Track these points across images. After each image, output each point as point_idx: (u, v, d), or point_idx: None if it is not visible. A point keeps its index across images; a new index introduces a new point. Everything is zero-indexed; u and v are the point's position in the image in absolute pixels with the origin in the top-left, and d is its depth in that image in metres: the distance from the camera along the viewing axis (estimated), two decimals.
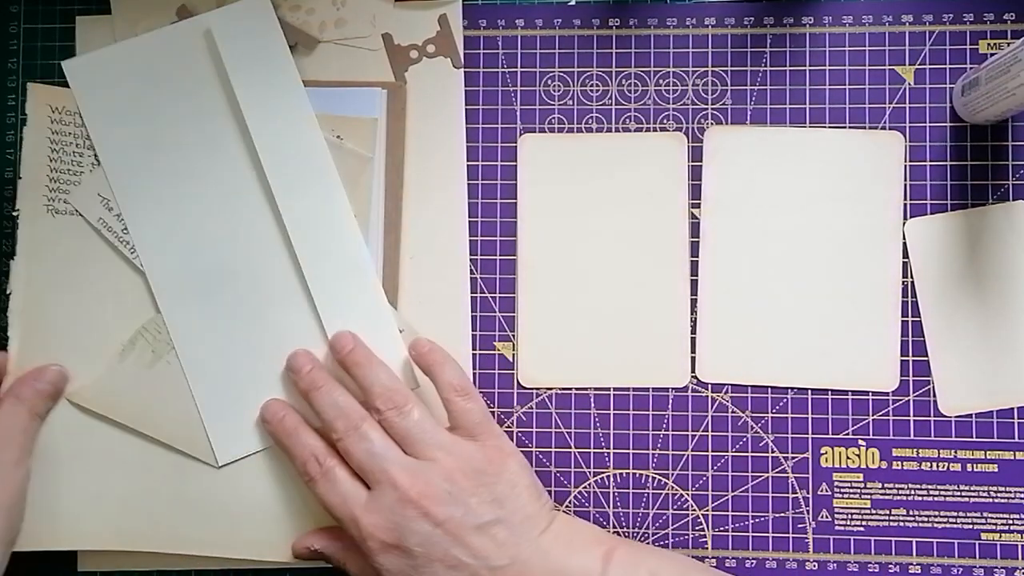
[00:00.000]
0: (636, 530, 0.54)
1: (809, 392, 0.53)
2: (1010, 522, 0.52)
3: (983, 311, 0.53)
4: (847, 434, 0.53)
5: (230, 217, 0.54)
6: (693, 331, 0.54)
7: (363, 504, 0.48)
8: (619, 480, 0.54)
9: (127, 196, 0.53)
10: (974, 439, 0.53)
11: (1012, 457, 0.52)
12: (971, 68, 0.53)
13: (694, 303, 0.54)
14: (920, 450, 0.53)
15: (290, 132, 0.53)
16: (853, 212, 0.53)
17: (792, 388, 0.53)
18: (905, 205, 0.53)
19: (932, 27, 0.54)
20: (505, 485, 0.48)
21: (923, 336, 0.53)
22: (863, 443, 0.53)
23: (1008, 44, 0.53)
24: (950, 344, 0.53)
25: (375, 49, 0.55)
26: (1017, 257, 0.53)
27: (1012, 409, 0.53)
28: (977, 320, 0.53)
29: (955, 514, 0.53)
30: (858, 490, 0.53)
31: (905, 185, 0.53)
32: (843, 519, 0.53)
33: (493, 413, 0.54)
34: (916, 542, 0.53)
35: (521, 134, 0.55)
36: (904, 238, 0.53)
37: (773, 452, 0.53)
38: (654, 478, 0.54)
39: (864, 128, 0.54)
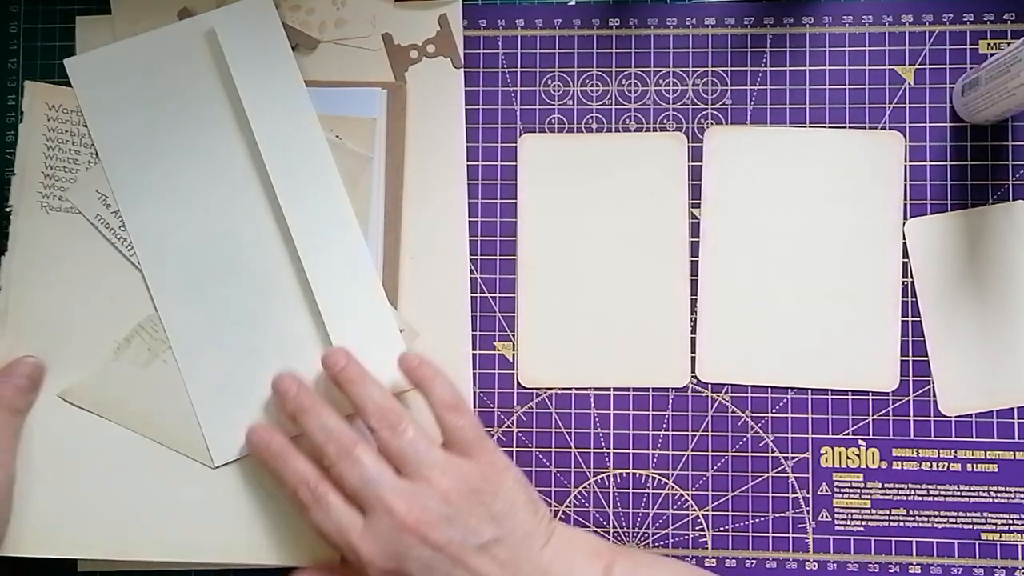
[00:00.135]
0: (636, 530, 0.54)
1: (809, 392, 0.53)
2: (1010, 522, 0.52)
3: (983, 311, 0.53)
4: (847, 434, 0.53)
5: (229, 215, 0.54)
6: (693, 331, 0.54)
7: (359, 531, 0.47)
8: (619, 480, 0.54)
9: (127, 193, 0.53)
10: (974, 439, 0.53)
11: (1012, 457, 0.52)
12: (971, 68, 0.53)
13: (694, 303, 0.54)
14: (920, 450, 0.53)
15: (292, 131, 0.53)
16: (853, 212, 0.53)
17: (792, 388, 0.53)
18: (905, 205, 0.53)
19: (932, 27, 0.54)
20: (502, 502, 0.48)
21: (923, 336, 0.53)
22: (863, 443, 0.53)
23: (1008, 44, 0.53)
24: (950, 344, 0.53)
25: (375, 49, 0.55)
26: (1017, 257, 0.53)
27: (1012, 409, 0.53)
28: (977, 320, 0.53)
29: (955, 514, 0.53)
30: (858, 490, 0.53)
31: (905, 185, 0.53)
32: (843, 519, 0.53)
33: (493, 413, 0.54)
34: (916, 542, 0.53)
35: (521, 134, 0.55)
36: (904, 238, 0.53)
37: (773, 452, 0.53)
38: (654, 478, 0.54)
39: (864, 128, 0.54)
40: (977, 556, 0.52)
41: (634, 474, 0.54)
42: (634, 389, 0.54)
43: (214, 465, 0.52)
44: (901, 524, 0.53)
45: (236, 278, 0.53)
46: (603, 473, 0.54)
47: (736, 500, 0.53)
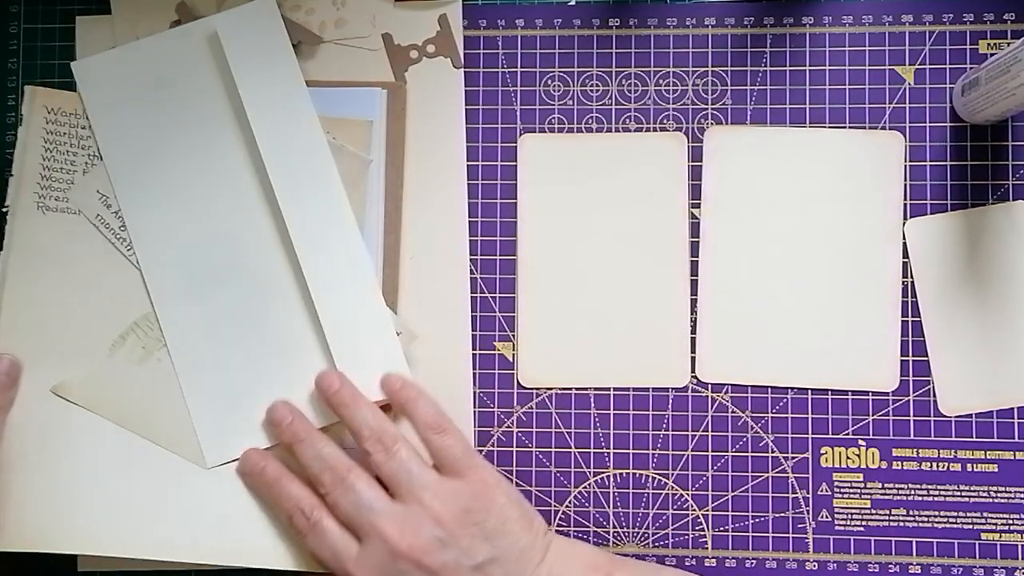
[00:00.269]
0: (636, 530, 0.54)
1: (809, 392, 0.53)
2: (1010, 522, 0.52)
3: (983, 311, 0.53)
4: (847, 434, 0.53)
5: (230, 217, 0.54)
6: (693, 331, 0.54)
7: (354, 559, 0.47)
8: (619, 480, 0.54)
9: (128, 194, 0.54)
10: (974, 439, 0.53)
11: (1012, 457, 0.52)
12: (971, 68, 0.53)
13: (694, 303, 0.54)
14: (920, 450, 0.53)
15: (294, 134, 0.53)
16: (853, 212, 0.53)
17: (792, 388, 0.53)
18: (905, 205, 0.53)
19: (932, 27, 0.54)
20: (495, 520, 0.48)
21: (923, 336, 0.53)
22: (863, 443, 0.53)
23: (1008, 44, 0.53)
24: (950, 344, 0.53)
25: (375, 49, 0.55)
26: (1017, 257, 0.53)
27: (1012, 409, 0.53)
28: (977, 320, 0.53)
29: (955, 514, 0.53)
30: (858, 490, 0.53)
31: (905, 185, 0.53)
32: (843, 519, 0.53)
33: (493, 413, 0.54)
34: (916, 542, 0.53)
35: (521, 134, 0.55)
36: (904, 238, 0.53)
37: (773, 452, 0.53)
38: (654, 478, 0.54)
39: (864, 128, 0.54)
40: (977, 556, 0.52)
41: (634, 474, 0.54)
42: (634, 389, 0.54)
43: (208, 466, 0.52)
44: (901, 524, 0.53)
45: (235, 279, 0.53)
46: (603, 473, 0.54)
47: (736, 500, 0.53)
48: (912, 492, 0.53)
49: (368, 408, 0.50)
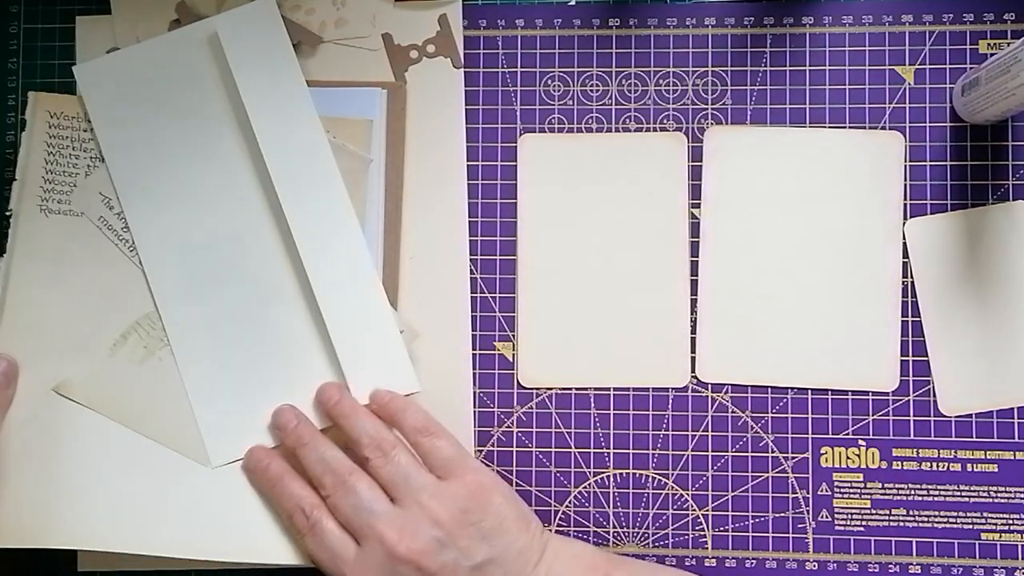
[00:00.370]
0: (636, 530, 0.54)
1: (809, 392, 0.53)
2: (1010, 522, 0.52)
3: (983, 311, 0.53)
4: (847, 434, 0.53)
5: (232, 217, 0.54)
6: (693, 331, 0.54)
7: (352, 561, 0.47)
8: (619, 480, 0.54)
9: (131, 196, 0.54)
10: (974, 439, 0.53)
11: (1012, 457, 0.52)
12: (971, 68, 0.53)
13: (694, 303, 0.54)
14: (920, 450, 0.53)
15: (295, 134, 0.53)
16: (853, 212, 0.53)
17: (792, 388, 0.53)
18: (905, 205, 0.53)
19: (932, 27, 0.54)
20: (492, 519, 0.48)
21: (923, 336, 0.53)
22: (863, 443, 0.53)
23: (1008, 44, 0.53)
24: (950, 344, 0.53)
25: (375, 49, 0.55)
26: (1017, 257, 0.53)
27: (1012, 409, 0.53)
28: (977, 320, 0.53)
29: (955, 514, 0.53)
30: (858, 490, 0.53)
31: (905, 185, 0.53)
32: (843, 519, 0.53)
33: (493, 413, 0.54)
34: (916, 542, 0.53)
35: (521, 134, 0.55)
36: (904, 238, 0.53)
37: (773, 452, 0.53)
38: (654, 478, 0.54)
39: (864, 128, 0.54)
40: (977, 556, 0.52)
41: (634, 474, 0.54)
42: (634, 389, 0.54)
43: (212, 466, 0.52)
44: (901, 524, 0.53)
45: (238, 279, 0.53)
46: (603, 473, 0.54)
47: (736, 500, 0.53)
48: (912, 492, 0.53)
49: (367, 417, 0.50)
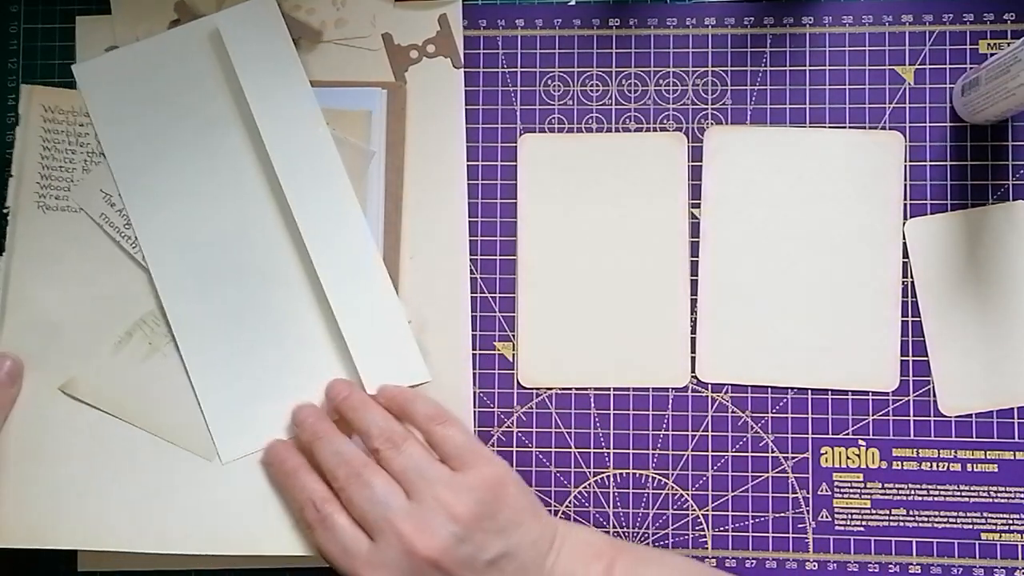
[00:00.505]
0: (636, 530, 0.54)
1: (809, 392, 0.53)
2: (1010, 522, 0.52)
3: (983, 311, 0.53)
4: (847, 434, 0.53)
5: (236, 212, 0.54)
6: (693, 331, 0.54)
7: (365, 556, 0.46)
8: (619, 480, 0.54)
9: (134, 193, 0.54)
10: (974, 439, 0.53)
11: (1012, 457, 0.52)
12: (971, 68, 0.53)
13: (694, 303, 0.54)
14: (920, 450, 0.53)
15: (298, 129, 0.53)
16: (853, 212, 0.53)
17: (792, 388, 0.53)
18: (905, 205, 0.53)
19: (932, 27, 0.54)
20: (508, 511, 0.47)
21: (923, 336, 0.53)
22: (863, 443, 0.53)
23: (1008, 44, 0.53)
24: (950, 344, 0.53)
25: (375, 49, 0.55)
26: (1017, 257, 0.53)
27: (1012, 409, 0.53)
28: (977, 320, 0.53)
29: (955, 514, 0.53)
30: (858, 490, 0.53)
31: (905, 185, 0.53)
32: (843, 519, 0.53)
33: (493, 413, 0.54)
34: (916, 542, 0.53)
35: (521, 134, 0.55)
36: (904, 238, 0.53)
37: (773, 452, 0.53)
38: (654, 478, 0.54)
39: (864, 128, 0.54)
40: (977, 556, 0.52)
41: (634, 474, 0.54)
42: (634, 389, 0.54)
43: (222, 462, 0.52)
44: (901, 524, 0.53)
45: (243, 274, 0.53)
46: (603, 473, 0.54)
47: (736, 500, 0.53)
48: (912, 492, 0.53)
49: (377, 410, 0.50)
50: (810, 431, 0.53)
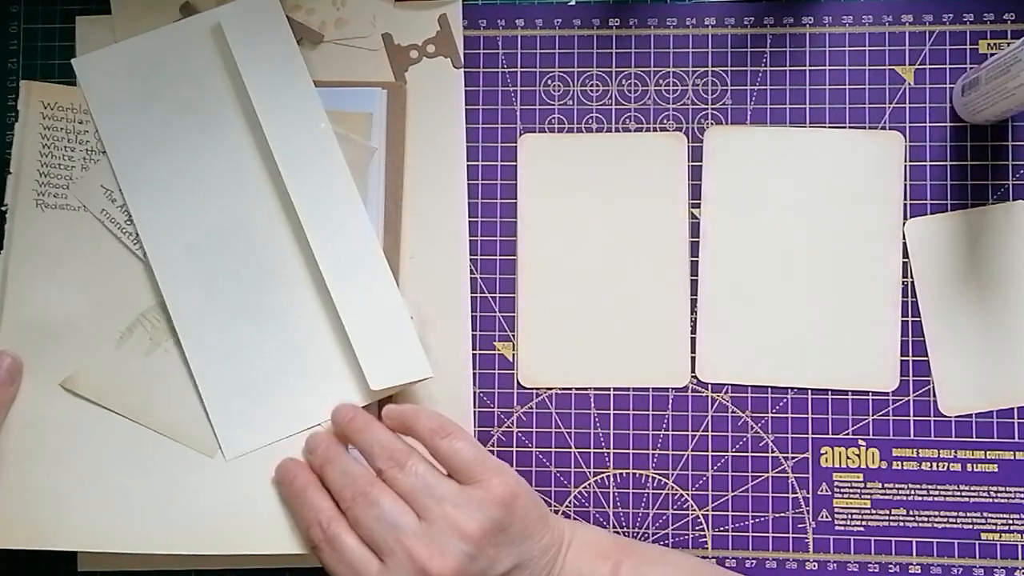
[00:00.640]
0: (636, 530, 0.54)
1: (809, 392, 0.53)
2: (1010, 522, 0.52)
3: (983, 311, 0.53)
4: (847, 434, 0.53)
5: (238, 207, 0.54)
6: (693, 331, 0.54)
7: None
8: (619, 480, 0.54)
9: (135, 189, 0.54)
10: (974, 439, 0.53)
11: (1012, 457, 0.52)
12: (971, 68, 0.53)
13: (694, 303, 0.54)
14: (920, 450, 0.53)
15: (300, 122, 0.53)
16: (853, 212, 0.53)
17: (792, 388, 0.53)
18: (905, 205, 0.53)
19: (932, 27, 0.54)
20: (520, 524, 0.47)
21: (923, 336, 0.53)
22: (863, 443, 0.53)
23: (1008, 44, 0.53)
24: (950, 344, 0.53)
25: (375, 49, 0.55)
26: (1017, 257, 0.53)
27: (1012, 409, 0.53)
28: (977, 320, 0.53)
29: (955, 514, 0.53)
30: (858, 490, 0.53)
31: (905, 185, 0.53)
32: (843, 519, 0.53)
33: (493, 413, 0.54)
34: (916, 542, 0.53)
35: (521, 134, 0.55)
36: (904, 238, 0.53)
37: (773, 452, 0.53)
38: (654, 478, 0.54)
39: (864, 128, 0.54)
40: (977, 556, 0.52)
41: (634, 474, 0.54)
42: (634, 389, 0.54)
43: (226, 459, 0.52)
44: (901, 524, 0.53)
45: (245, 269, 0.53)
46: (603, 473, 0.54)
47: (736, 500, 0.53)
48: (912, 492, 0.53)
49: (380, 429, 0.49)
50: (810, 431, 0.53)
